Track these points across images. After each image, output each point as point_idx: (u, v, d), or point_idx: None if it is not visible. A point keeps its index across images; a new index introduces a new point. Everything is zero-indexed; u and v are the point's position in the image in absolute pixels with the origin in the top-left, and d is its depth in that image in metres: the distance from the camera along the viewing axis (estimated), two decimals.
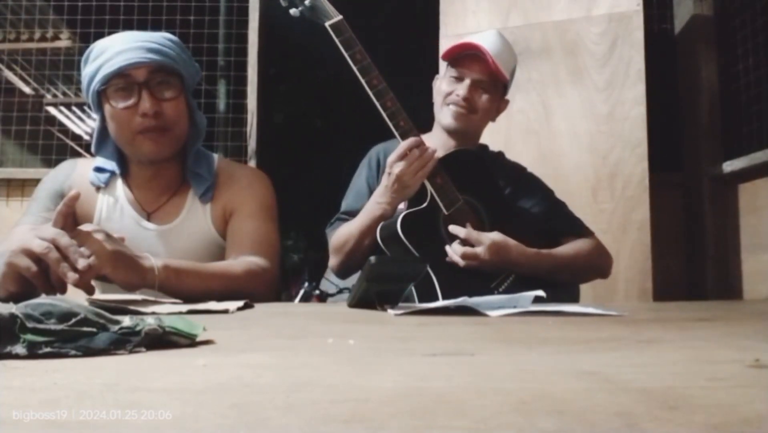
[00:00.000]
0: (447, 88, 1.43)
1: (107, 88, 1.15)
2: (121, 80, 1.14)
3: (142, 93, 1.13)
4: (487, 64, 1.38)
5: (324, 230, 1.50)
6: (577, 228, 1.45)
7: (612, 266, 1.47)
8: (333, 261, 1.42)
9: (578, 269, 1.39)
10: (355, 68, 1.25)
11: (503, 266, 1.28)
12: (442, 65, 1.53)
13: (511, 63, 1.46)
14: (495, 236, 1.26)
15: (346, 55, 1.25)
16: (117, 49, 1.13)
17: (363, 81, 1.25)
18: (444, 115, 1.43)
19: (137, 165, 1.25)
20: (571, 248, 1.39)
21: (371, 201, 1.33)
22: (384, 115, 1.26)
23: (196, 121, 1.26)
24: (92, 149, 1.26)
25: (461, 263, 1.25)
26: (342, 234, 1.38)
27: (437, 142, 1.43)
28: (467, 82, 1.40)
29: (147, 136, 1.16)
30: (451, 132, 1.43)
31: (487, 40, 1.41)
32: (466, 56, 1.41)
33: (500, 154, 1.58)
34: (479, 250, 1.24)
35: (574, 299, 1.42)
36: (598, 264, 1.44)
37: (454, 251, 1.26)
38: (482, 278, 1.27)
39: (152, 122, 1.15)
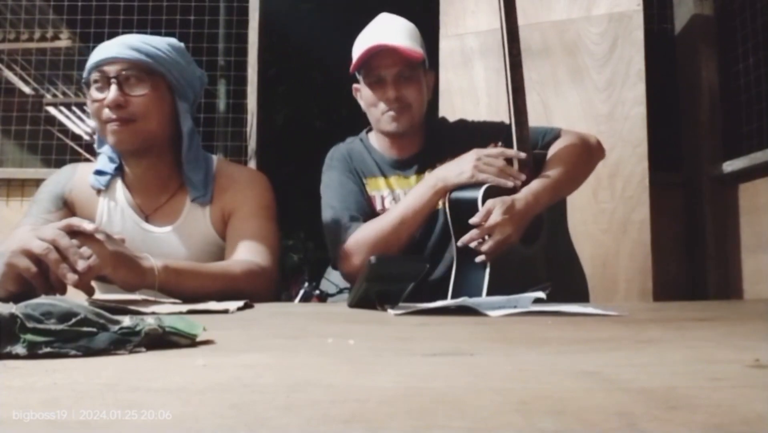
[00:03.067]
0: (373, 96, 1.38)
1: (90, 82, 1.19)
2: (98, 74, 1.18)
3: (111, 86, 1.16)
4: (398, 54, 1.33)
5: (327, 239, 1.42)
6: (551, 132, 1.41)
7: (598, 142, 1.42)
8: (353, 262, 1.31)
9: (581, 159, 1.34)
10: (507, 61, 1.24)
11: (529, 211, 1.18)
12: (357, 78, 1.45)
13: (416, 36, 1.40)
14: (498, 199, 1.17)
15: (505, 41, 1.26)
16: (104, 46, 1.18)
17: (509, 76, 1.23)
18: (384, 123, 1.39)
19: (127, 162, 1.27)
20: (559, 149, 1.33)
21: (426, 182, 1.28)
22: (511, 114, 1.24)
23: (181, 126, 1.24)
24: (94, 145, 1.30)
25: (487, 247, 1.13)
26: (372, 228, 1.30)
27: (383, 142, 1.45)
28: (389, 80, 1.35)
29: (110, 126, 1.18)
30: (398, 135, 1.41)
31: (384, 34, 1.37)
32: (373, 56, 1.35)
33: (462, 121, 1.54)
34: (494, 215, 1.13)
35: (584, 292, 1.40)
36: (589, 145, 1.38)
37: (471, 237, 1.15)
38: (529, 277, 1.22)
39: (115, 113, 1.16)
